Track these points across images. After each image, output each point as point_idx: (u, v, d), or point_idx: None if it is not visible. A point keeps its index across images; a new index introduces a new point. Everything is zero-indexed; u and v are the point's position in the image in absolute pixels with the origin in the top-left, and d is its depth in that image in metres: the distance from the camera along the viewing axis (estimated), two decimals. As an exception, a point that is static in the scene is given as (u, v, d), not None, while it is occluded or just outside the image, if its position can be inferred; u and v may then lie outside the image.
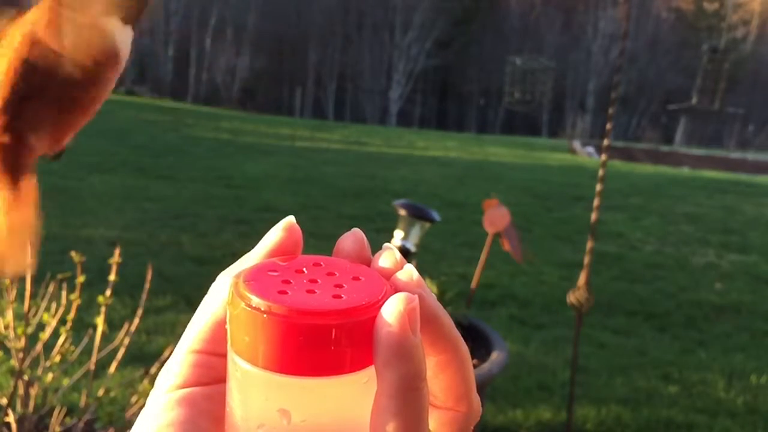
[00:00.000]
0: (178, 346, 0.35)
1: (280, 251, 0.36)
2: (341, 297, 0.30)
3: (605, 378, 3.52)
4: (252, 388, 0.30)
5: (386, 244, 0.35)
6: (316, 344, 0.29)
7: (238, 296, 0.30)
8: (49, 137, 0.34)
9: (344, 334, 0.29)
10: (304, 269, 0.33)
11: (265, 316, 0.29)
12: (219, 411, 0.33)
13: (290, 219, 0.36)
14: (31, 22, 0.34)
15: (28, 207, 0.33)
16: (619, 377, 3.55)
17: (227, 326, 0.31)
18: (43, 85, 0.32)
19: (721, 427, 3.10)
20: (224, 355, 0.32)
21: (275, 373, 0.29)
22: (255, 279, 0.31)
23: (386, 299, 0.30)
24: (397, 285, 0.32)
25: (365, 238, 0.35)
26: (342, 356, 0.29)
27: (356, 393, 0.30)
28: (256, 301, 0.29)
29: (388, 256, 0.34)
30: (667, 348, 4.07)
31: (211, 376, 0.34)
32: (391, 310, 0.29)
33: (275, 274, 0.32)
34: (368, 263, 0.34)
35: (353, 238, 0.35)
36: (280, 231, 0.36)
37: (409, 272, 0.32)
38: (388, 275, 0.33)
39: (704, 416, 3.18)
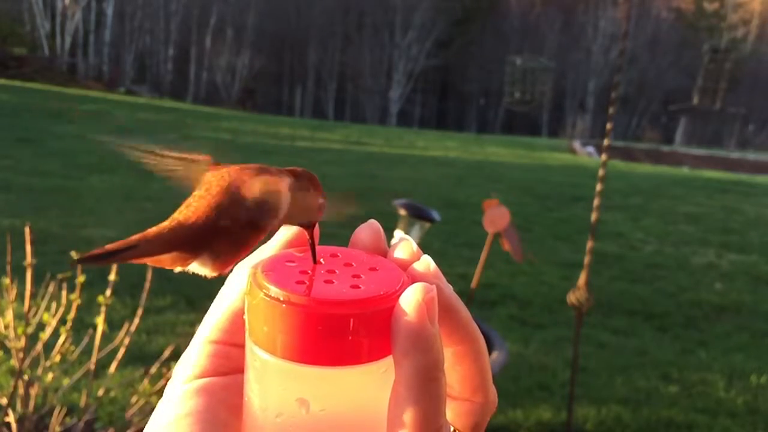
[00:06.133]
0: (195, 336, 0.35)
1: (297, 242, 0.36)
2: (359, 287, 0.31)
3: (605, 378, 3.52)
4: (270, 378, 0.30)
5: (402, 235, 0.35)
6: (334, 334, 0.29)
7: (256, 286, 0.31)
8: (219, 265, 0.41)
9: (362, 323, 0.29)
10: (321, 260, 0.34)
11: (283, 305, 0.29)
12: (237, 401, 0.33)
13: None
14: (229, 176, 0.41)
15: None
16: (619, 377, 3.55)
17: (245, 316, 0.32)
18: (228, 228, 0.40)
19: (721, 427, 3.10)
20: (242, 346, 0.33)
21: (294, 362, 0.29)
22: (273, 269, 0.32)
23: (404, 289, 0.30)
24: (414, 275, 0.32)
25: (381, 229, 0.36)
26: (360, 346, 0.29)
27: (374, 383, 0.30)
28: (274, 290, 0.30)
29: (404, 247, 0.34)
30: (667, 348, 4.07)
31: (228, 366, 0.34)
32: (410, 300, 0.29)
33: (293, 264, 0.33)
34: (384, 254, 0.35)
35: (370, 230, 0.35)
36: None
37: (426, 263, 0.32)
38: (404, 266, 0.33)
39: (704, 416, 3.18)
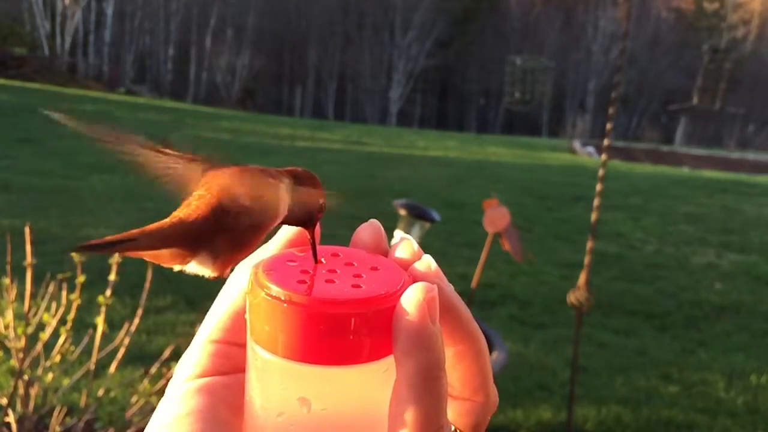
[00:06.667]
0: (196, 335, 0.35)
1: (298, 242, 0.36)
2: (360, 287, 0.31)
3: (605, 378, 3.52)
4: (272, 377, 0.30)
5: (403, 235, 0.35)
6: (335, 333, 0.29)
7: (258, 286, 0.31)
8: (219, 266, 0.42)
9: (364, 323, 0.29)
10: (323, 259, 0.34)
11: (285, 305, 0.29)
12: (238, 400, 0.33)
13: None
14: (229, 176, 0.42)
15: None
16: (619, 377, 3.55)
17: (247, 316, 0.32)
18: (228, 227, 0.40)
19: (721, 427, 3.10)
20: (243, 345, 0.33)
21: (295, 361, 0.29)
22: (274, 269, 0.32)
23: (405, 289, 0.30)
24: (416, 275, 0.32)
25: (383, 228, 0.36)
26: (361, 345, 0.29)
27: (376, 382, 0.30)
28: (276, 290, 0.30)
29: (405, 247, 0.34)
30: (667, 348, 4.07)
31: (230, 365, 0.34)
32: (411, 299, 0.29)
33: (294, 264, 0.33)
34: (385, 254, 0.35)
35: (371, 229, 0.35)
36: None
37: (427, 262, 0.32)
38: (405, 265, 0.33)
39: (704, 416, 3.18)
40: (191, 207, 0.42)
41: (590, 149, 18.50)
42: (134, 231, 0.40)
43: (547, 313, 4.40)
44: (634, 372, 3.64)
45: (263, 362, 0.30)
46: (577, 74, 33.77)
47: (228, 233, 0.41)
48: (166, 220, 0.42)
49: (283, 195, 0.41)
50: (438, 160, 12.49)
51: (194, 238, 0.40)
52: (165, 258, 0.41)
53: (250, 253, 0.39)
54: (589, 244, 2.51)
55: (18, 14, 26.89)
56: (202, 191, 0.42)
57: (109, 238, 0.40)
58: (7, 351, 1.78)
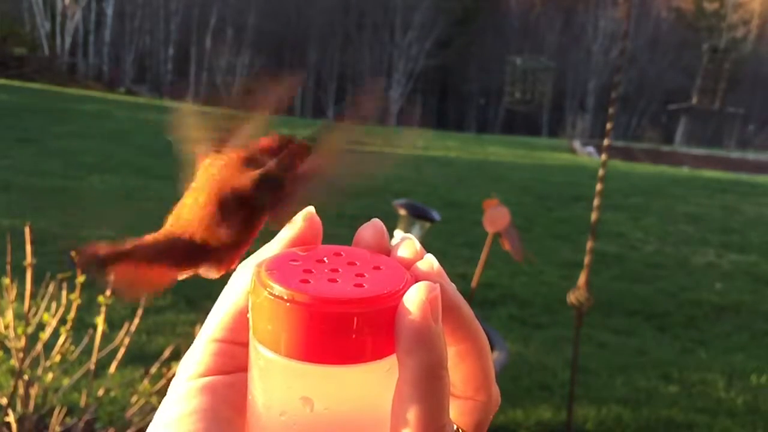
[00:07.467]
0: (199, 334, 0.35)
1: (300, 241, 0.36)
2: (363, 286, 0.31)
3: (605, 378, 3.52)
4: (274, 377, 0.30)
5: (404, 234, 0.35)
6: (338, 332, 0.29)
7: (260, 285, 0.30)
8: (224, 267, 0.41)
9: (366, 322, 0.29)
10: (325, 259, 0.34)
11: (288, 304, 0.29)
12: (240, 399, 0.33)
13: (310, 209, 0.36)
14: (219, 173, 0.41)
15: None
16: (619, 377, 3.55)
17: (249, 315, 0.32)
18: (230, 218, 0.40)
19: (721, 427, 3.10)
20: (245, 344, 0.33)
21: (298, 361, 0.29)
22: (277, 268, 0.32)
23: (407, 288, 0.30)
24: (418, 274, 0.32)
25: (385, 227, 0.36)
26: (364, 344, 0.29)
27: (378, 381, 0.30)
28: (278, 289, 0.30)
29: (407, 246, 0.34)
30: (667, 348, 4.07)
31: (232, 364, 0.34)
32: (413, 299, 0.29)
33: (296, 263, 0.33)
34: (387, 253, 0.34)
35: (373, 228, 0.35)
36: (300, 221, 0.36)
37: (429, 262, 0.32)
38: (408, 265, 0.33)
39: (704, 416, 3.18)
40: (182, 220, 0.40)
41: (590, 149, 18.49)
42: (129, 244, 0.40)
43: (547, 313, 4.40)
44: (634, 372, 3.64)
45: (266, 361, 0.30)
46: (577, 74, 33.74)
47: (228, 232, 0.40)
48: (161, 233, 0.41)
49: (273, 181, 0.40)
50: (438, 160, 12.49)
51: (191, 252, 0.40)
52: (164, 268, 0.41)
53: (251, 242, 0.38)
54: (589, 244, 2.51)
55: (18, 14, 26.88)
56: (194, 194, 0.41)
57: (101, 249, 0.39)
58: (7, 351, 1.78)
